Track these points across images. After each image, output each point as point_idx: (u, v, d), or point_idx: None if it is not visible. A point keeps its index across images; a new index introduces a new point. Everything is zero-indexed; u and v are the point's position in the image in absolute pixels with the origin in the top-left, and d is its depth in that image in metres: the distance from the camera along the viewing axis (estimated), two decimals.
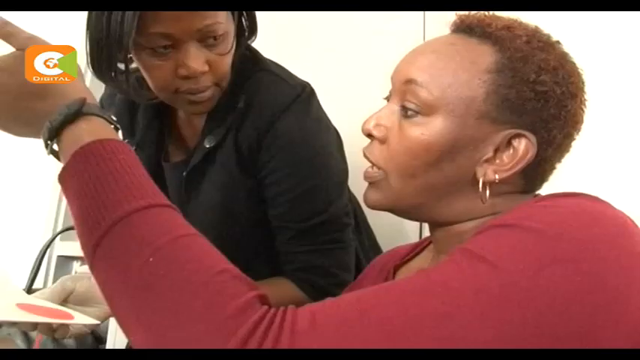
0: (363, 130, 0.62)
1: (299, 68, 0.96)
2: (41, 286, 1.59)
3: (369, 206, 0.64)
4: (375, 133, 0.61)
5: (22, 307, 0.62)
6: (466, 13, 0.61)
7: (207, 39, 0.77)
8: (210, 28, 0.76)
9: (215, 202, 0.90)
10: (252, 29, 0.88)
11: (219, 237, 0.90)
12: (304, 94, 0.89)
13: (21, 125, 0.56)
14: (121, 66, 0.79)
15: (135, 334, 0.45)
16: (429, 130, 0.57)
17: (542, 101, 0.55)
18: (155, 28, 0.73)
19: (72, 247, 1.70)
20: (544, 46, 0.57)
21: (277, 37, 0.97)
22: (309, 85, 0.92)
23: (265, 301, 0.46)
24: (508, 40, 0.57)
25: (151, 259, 0.45)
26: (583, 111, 0.59)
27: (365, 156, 0.63)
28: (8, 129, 0.56)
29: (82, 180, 0.49)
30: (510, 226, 0.48)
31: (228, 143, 0.87)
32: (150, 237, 0.46)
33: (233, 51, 0.82)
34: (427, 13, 1.37)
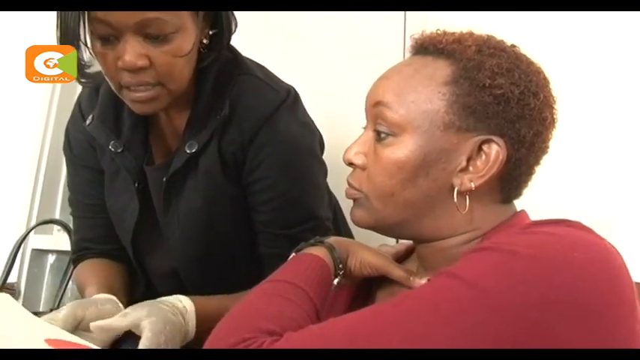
0: (344, 160, 0.65)
1: (278, 65, 0.95)
2: (15, 279, 1.57)
3: (355, 224, 0.66)
4: (355, 161, 0.64)
5: (52, 343, 0.58)
6: (418, 33, 0.65)
7: (149, 34, 0.75)
8: (151, 23, 0.74)
9: (197, 208, 0.89)
10: (227, 32, 0.85)
11: (199, 242, 0.91)
12: (289, 99, 0.88)
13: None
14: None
15: None
16: (401, 148, 0.60)
17: (502, 104, 0.58)
18: (96, 14, 0.72)
19: (46, 240, 1.66)
20: (495, 51, 0.60)
21: (254, 36, 0.95)
22: (294, 88, 0.91)
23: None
24: (459, 52, 0.60)
25: None
26: (552, 107, 0.61)
27: (349, 183, 0.65)
28: None
29: None
30: (488, 249, 0.51)
31: (211, 149, 0.86)
32: None
33: (191, 54, 0.80)
34: (408, 13, 1.38)
